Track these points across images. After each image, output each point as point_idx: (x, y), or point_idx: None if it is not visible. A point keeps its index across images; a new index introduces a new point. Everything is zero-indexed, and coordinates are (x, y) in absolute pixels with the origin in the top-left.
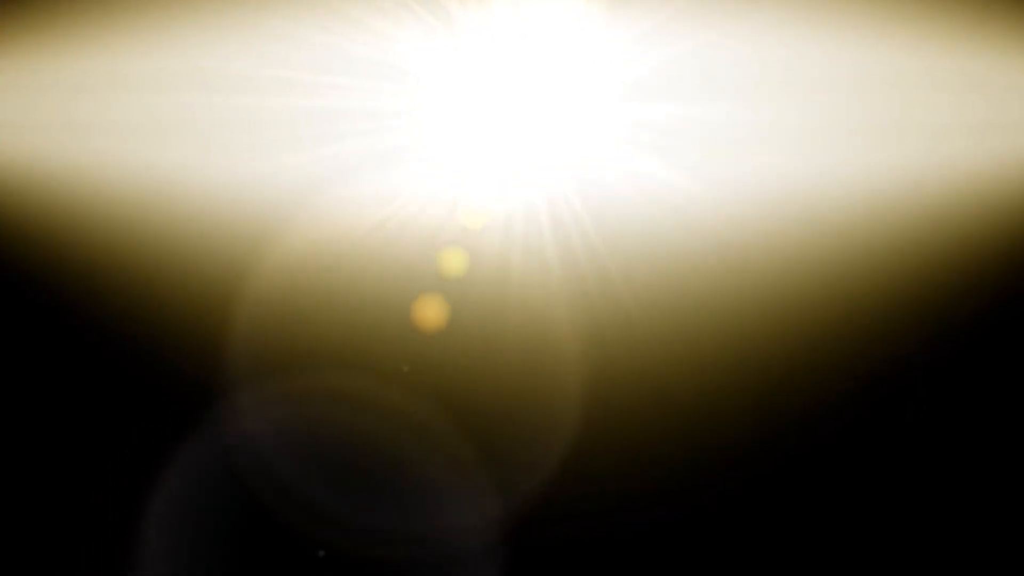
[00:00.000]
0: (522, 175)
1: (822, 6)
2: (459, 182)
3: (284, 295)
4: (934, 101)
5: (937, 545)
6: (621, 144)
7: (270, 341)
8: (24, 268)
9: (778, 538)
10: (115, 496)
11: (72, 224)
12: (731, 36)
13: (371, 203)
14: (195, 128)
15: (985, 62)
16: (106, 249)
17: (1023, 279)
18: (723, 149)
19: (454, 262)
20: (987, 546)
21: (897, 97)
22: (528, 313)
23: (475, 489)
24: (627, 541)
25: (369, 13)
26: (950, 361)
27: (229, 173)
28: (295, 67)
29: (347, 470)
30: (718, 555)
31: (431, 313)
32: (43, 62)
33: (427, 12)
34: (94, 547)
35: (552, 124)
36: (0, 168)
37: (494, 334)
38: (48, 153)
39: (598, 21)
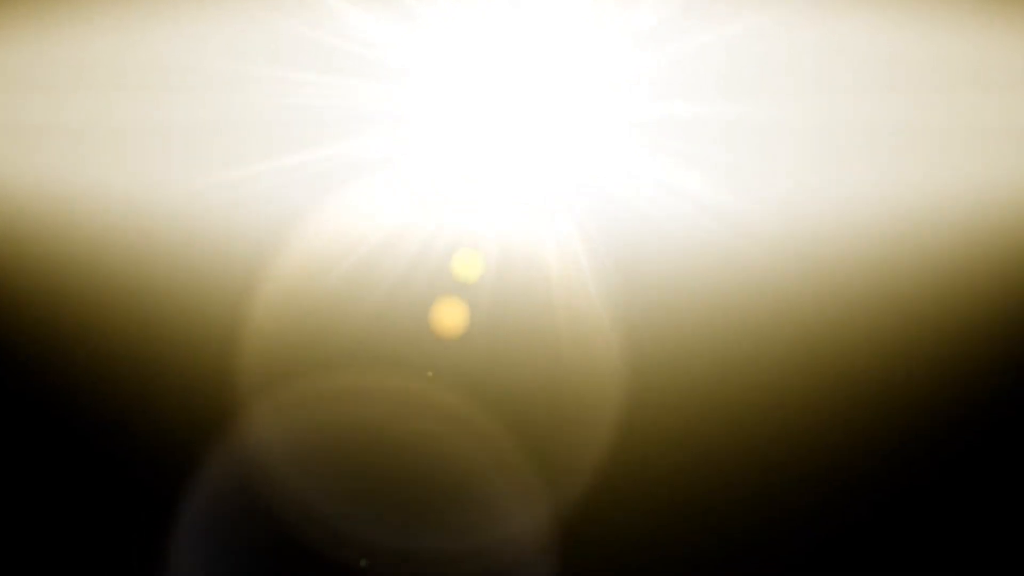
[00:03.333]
0: (528, 182)
1: None
2: (458, 190)
3: (290, 305)
4: (974, 100)
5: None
6: (636, 148)
7: (281, 352)
8: (23, 276)
9: (814, 542)
10: (135, 515)
11: (55, 232)
12: (759, 27)
13: (365, 210)
14: (174, 131)
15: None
16: (94, 256)
17: None
18: (750, 154)
19: (468, 266)
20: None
21: (940, 98)
22: (537, 321)
23: (509, 500)
24: (668, 549)
25: (357, 5)
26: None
27: (218, 177)
28: (279, 64)
29: (378, 485)
30: (761, 555)
31: (447, 319)
32: (15, 61)
33: (422, 4)
34: (116, 566)
35: (558, 125)
36: None
37: (506, 340)
38: (23, 157)
39: (610, 10)
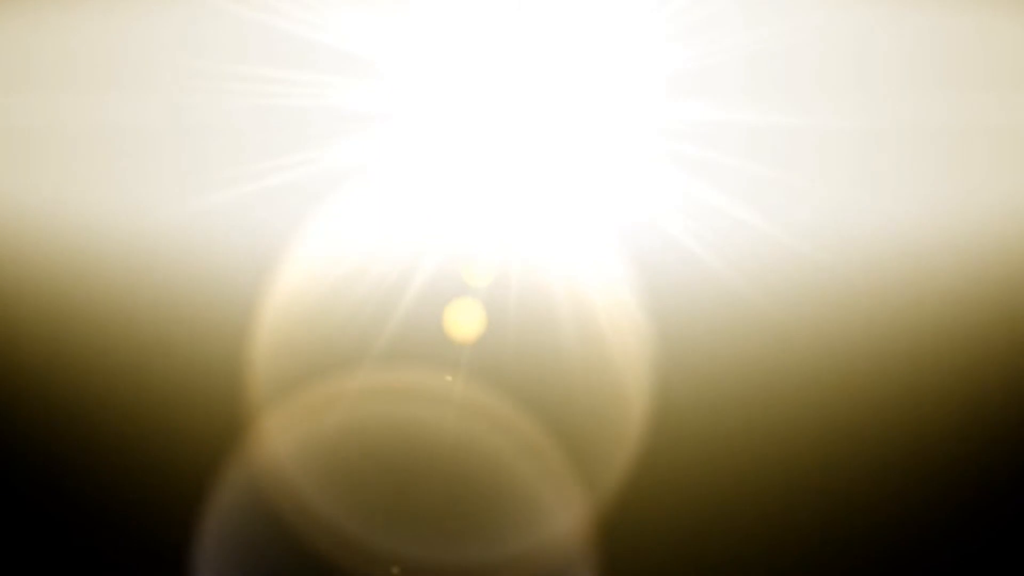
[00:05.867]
0: (535, 194)
1: None
2: (471, 194)
3: (296, 313)
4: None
5: None
6: (655, 157)
7: (291, 360)
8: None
9: (841, 546)
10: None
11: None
12: (789, 29)
13: (367, 213)
14: (161, 134)
15: None
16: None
17: None
18: (777, 163)
19: (475, 272)
20: None
21: (985, 101)
22: (547, 328)
23: (539, 507)
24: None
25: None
26: None
27: (209, 181)
28: (261, 62)
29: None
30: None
31: (459, 323)
32: None
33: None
34: None
35: (571, 131)
36: None
37: (519, 345)
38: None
39: (628, 7)
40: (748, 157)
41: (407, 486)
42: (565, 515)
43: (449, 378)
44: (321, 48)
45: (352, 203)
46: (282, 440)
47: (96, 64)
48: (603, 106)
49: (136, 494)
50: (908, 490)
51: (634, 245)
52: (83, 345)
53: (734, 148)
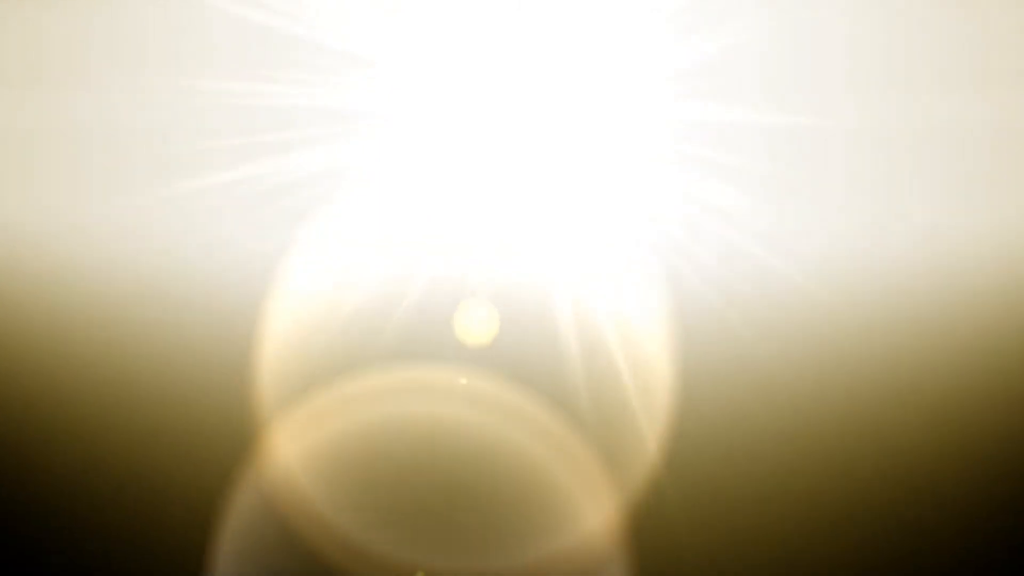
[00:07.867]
0: (538, 195)
1: None
2: (474, 199)
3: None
4: None
5: None
6: (660, 157)
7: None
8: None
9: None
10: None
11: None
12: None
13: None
14: (142, 132)
15: None
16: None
17: None
18: (792, 165)
19: (480, 277)
20: None
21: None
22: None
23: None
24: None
25: None
26: None
27: (196, 185)
28: (259, 63)
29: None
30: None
31: (469, 326)
32: None
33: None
34: None
35: (573, 131)
36: None
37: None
38: None
39: (631, 6)
40: (752, 157)
41: (424, 489)
42: (582, 518)
43: (464, 380)
44: (318, 48)
45: (353, 203)
46: (296, 447)
47: (96, 64)
48: (606, 106)
49: (149, 505)
50: (930, 499)
51: (640, 244)
52: (84, 348)
53: (739, 148)
